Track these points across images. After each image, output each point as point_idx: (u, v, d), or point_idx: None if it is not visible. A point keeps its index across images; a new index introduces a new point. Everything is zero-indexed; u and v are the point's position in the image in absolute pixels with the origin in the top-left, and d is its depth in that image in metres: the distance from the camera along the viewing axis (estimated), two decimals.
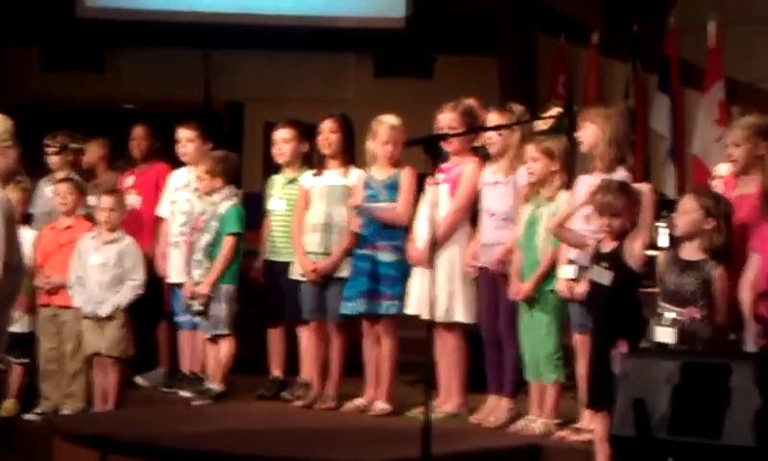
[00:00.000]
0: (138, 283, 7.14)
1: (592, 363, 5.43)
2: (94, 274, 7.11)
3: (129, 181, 7.70)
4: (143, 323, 7.34)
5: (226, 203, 7.04)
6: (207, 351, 7.09)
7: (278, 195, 7.10)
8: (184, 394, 7.05)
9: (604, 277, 5.36)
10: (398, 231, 6.51)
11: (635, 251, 5.32)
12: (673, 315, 5.06)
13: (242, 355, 7.06)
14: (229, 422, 6.30)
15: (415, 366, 7.10)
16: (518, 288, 5.97)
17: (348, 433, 6.12)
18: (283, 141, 7.08)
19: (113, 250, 7.13)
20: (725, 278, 5.04)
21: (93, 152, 7.90)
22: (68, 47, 11.42)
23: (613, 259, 5.35)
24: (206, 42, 11.12)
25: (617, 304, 5.31)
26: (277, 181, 7.17)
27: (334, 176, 6.85)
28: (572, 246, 5.65)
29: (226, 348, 6.98)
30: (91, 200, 7.46)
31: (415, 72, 11.53)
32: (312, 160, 6.99)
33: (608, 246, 5.40)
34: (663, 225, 7.70)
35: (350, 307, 6.53)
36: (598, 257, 5.43)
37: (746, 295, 4.94)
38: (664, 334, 5.05)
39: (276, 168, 7.25)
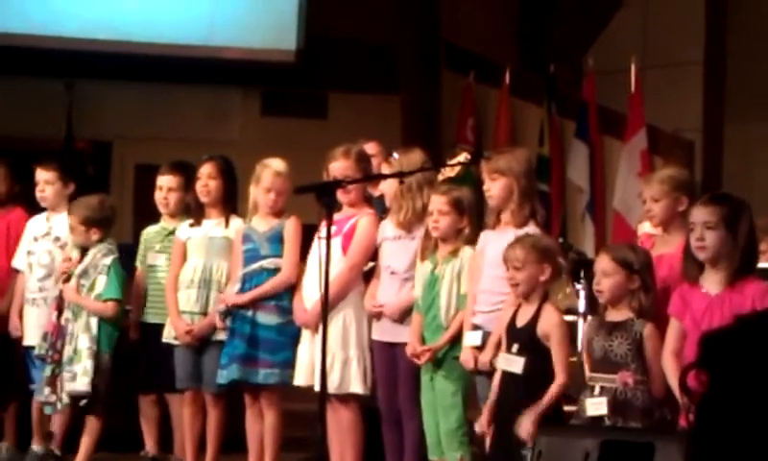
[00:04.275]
0: None
1: (493, 445, 5.47)
2: None
3: None
4: None
5: (104, 259, 6.92)
6: (53, 417, 6.93)
7: (158, 248, 7.04)
8: None
9: (514, 364, 5.39)
10: (284, 290, 6.50)
11: (557, 345, 5.37)
12: (604, 383, 5.13)
13: (113, 428, 6.95)
14: None
15: (305, 443, 7.07)
16: (418, 350, 5.96)
17: None
18: (169, 190, 6.98)
19: None
20: (656, 336, 5.12)
21: None
22: None
23: (526, 338, 5.41)
24: (71, 71, 10.99)
25: (529, 388, 5.34)
26: (156, 233, 7.12)
27: (213, 226, 6.82)
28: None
29: (92, 427, 6.85)
30: None
31: (306, 111, 11.55)
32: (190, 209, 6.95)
33: (521, 317, 5.43)
34: (581, 288, 7.81)
35: (224, 375, 6.49)
36: (509, 335, 5.45)
37: (670, 367, 5.03)
38: (595, 406, 5.10)
39: (148, 216, 7.19)
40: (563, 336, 5.43)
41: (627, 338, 5.13)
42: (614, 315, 5.22)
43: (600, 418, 5.10)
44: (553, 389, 5.32)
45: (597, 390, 5.15)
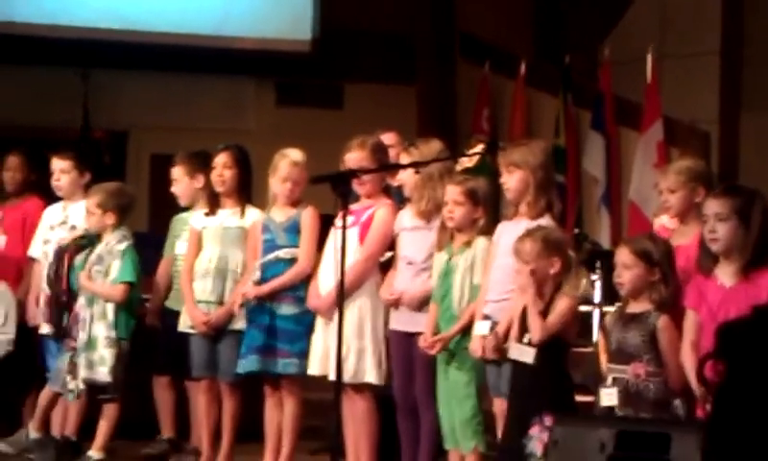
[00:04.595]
0: (10, 338, 6.95)
1: (506, 434, 5.48)
2: None
3: None
4: (8, 378, 7.20)
5: (118, 245, 6.94)
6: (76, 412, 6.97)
7: (184, 236, 7.04)
8: None
9: (526, 354, 5.40)
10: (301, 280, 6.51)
11: (553, 312, 5.39)
12: (616, 374, 5.14)
13: (130, 417, 6.97)
14: None
15: (319, 432, 7.08)
16: (429, 341, 5.97)
17: None
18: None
19: None
20: (671, 328, 5.13)
21: None
22: None
23: None
24: (86, 61, 11.01)
25: (543, 381, 5.36)
26: (182, 222, 7.12)
27: (228, 216, 6.83)
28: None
29: (109, 414, 6.87)
30: None
31: (322, 101, 11.55)
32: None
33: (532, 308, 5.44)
34: (597, 278, 7.81)
35: (243, 365, 6.50)
36: (522, 326, 5.46)
37: (688, 359, 5.02)
38: (607, 397, 5.12)
39: (164, 206, 7.21)
40: (565, 309, 5.41)
41: (641, 330, 5.14)
42: (634, 307, 5.24)
43: (612, 408, 5.10)
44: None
45: (610, 380, 5.16)
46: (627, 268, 5.22)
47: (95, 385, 6.80)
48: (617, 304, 5.42)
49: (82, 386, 6.83)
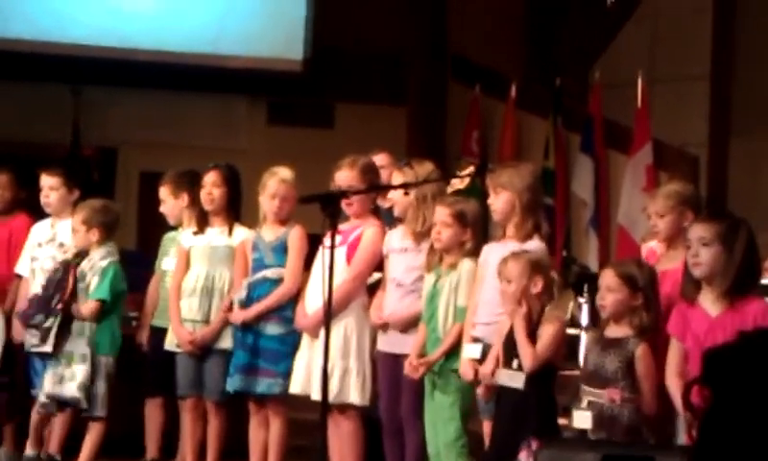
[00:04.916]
0: None
1: (493, 458, 5.46)
2: None
3: None
4: None
5: (101, 262, 6.92)
6: (53, 420, 6.92)
7: (171, 254, 7.05)
8: None
9: (516, 380, 5.38)
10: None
11: (542, 338, 5.37)
12: (591, 398, 5.13)
13: (115, 434, 6.95)
14: None
15: (305, 452, 7.05)
16: (414, 364, 5.95)
17: None
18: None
19: None
20: (649, 355, 5.11)
21: None
22: None
23: None
24: (77, 77, 11.01)
25: (531, 406, 5.34)
26: (171, 239, 7.12)
27: (216, 235, 6.82)
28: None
29: (95, 431, 6.84)
30: None
31: (313, 121, 11.56)
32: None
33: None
34: (584, 301, 7.81)
35: (229, 384, 6.50)
36: (508, 351, 5.44)
37: (673, 386, 5.01)
38: (581, 419, 5.10)
39: (153, 224, 7.20)
40: (554, 334, 5.40)
41: (619, 355, 5.12)
42: (614, 331, 5.22)
43: (585, 431, 5.08)
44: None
45: (585, 403, 5.14)
46: (610, 291, 5.20)
47: (62, 401, 6.76)
48: (595, 328, 5.41)
49: (43, 399, 6.79)
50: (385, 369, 6.23)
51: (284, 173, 6.60)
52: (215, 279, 6.74)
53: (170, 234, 7.17)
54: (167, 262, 7.06)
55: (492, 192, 5.84)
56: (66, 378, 6.77)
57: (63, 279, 6.93)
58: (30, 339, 7.05)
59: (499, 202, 5.80)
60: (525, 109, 10.92)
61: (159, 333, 6.96)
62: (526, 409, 5.35)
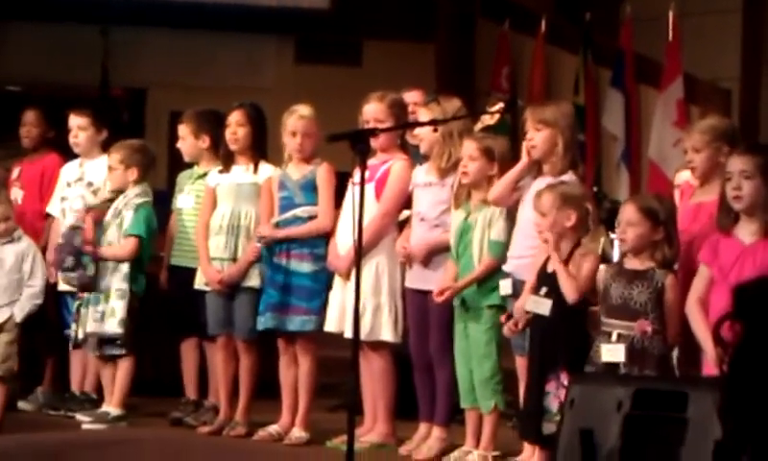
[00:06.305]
0: (37, 290, 6.96)
1: (526, 392, 5.49)
2: None
3: (15, 172, 7.66)
4: (32, 335, 7.20)
5: (136, 199, 6.91)
6: (101, 371, 6.98)
7: (185, 191, 7.05)
8: (80, 417, 6.92)
9: (542, 306, 5.38)
10: (318, 237, 6.50)
11: (582, 271, 5.36)
12: (621, 330, 5.12)
13: (150, 374, 6.96)
14: (124, 450, 6.23)
15: (336, 389, 7.09)
16: (440, 288, 5.93)
17: None
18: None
19: (11, 251, 6.93)
20: (677, 286, 5.13)
21: None
22: None
23: (554, 282, 5.39)
24: (105, 17, 10.99)
25: (558, 334, 5.34)
26: (186, 176, 7.14)
27: (242, 173, 6.81)
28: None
29: (124, 368, 6.87)
30: None
31: (341, 58, 11.51)
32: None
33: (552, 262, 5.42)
34: (615, 237, 7.76)
35: (261, 322, 6.50)
36: (539, 279, 5.44)
37: (694, 313, 5.02)
38: (612, 353, 5.10)
39: (182, 164, 7.21)
40: (592, 268, 5.38)
41: (648, 287, 5.13)
42: (635, 264, 5.21)
43: (615, 365, 5.08)
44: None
45: (614, 336, 5.14)
46: (631, 225, 5.19)
47: (104, 338, 6.80)
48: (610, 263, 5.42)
49: (81, 336, 6.84)
50: (413, 305, 6.23)
51: (303, 110, 6.57)
52: (241, 216, 6.73)
53: (185, 173, 7.17)
54: (181, 200, 7.06)
55: (532, 128, 5.78)
56: (107, 314, 6.80)
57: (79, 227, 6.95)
58: (67, 277, 7.07)
59: (540, 138, 5.75)
60: (555, 44, 10.87)
61: (177, 273, 6.98)
62: (555, 340, 5.35)
